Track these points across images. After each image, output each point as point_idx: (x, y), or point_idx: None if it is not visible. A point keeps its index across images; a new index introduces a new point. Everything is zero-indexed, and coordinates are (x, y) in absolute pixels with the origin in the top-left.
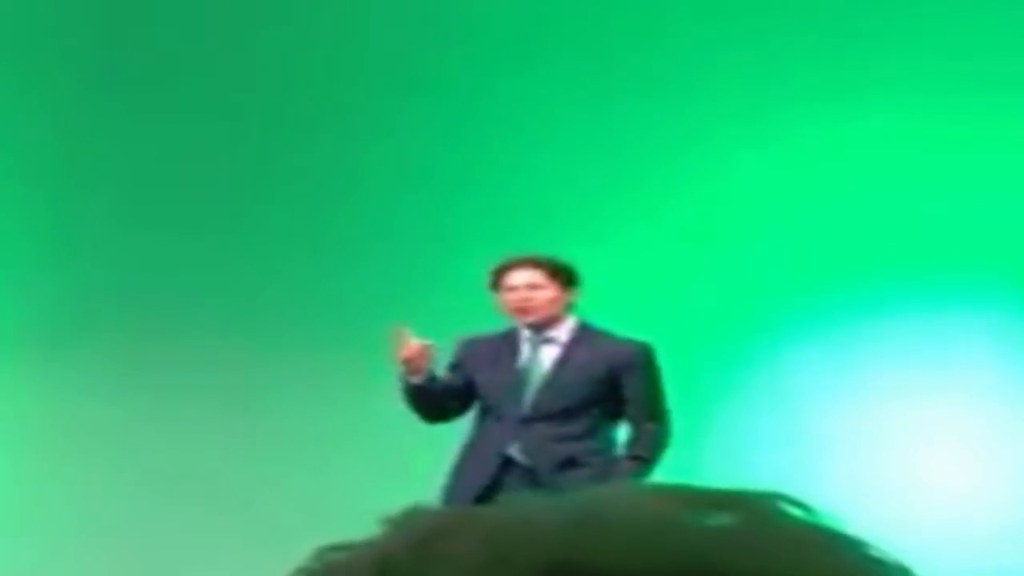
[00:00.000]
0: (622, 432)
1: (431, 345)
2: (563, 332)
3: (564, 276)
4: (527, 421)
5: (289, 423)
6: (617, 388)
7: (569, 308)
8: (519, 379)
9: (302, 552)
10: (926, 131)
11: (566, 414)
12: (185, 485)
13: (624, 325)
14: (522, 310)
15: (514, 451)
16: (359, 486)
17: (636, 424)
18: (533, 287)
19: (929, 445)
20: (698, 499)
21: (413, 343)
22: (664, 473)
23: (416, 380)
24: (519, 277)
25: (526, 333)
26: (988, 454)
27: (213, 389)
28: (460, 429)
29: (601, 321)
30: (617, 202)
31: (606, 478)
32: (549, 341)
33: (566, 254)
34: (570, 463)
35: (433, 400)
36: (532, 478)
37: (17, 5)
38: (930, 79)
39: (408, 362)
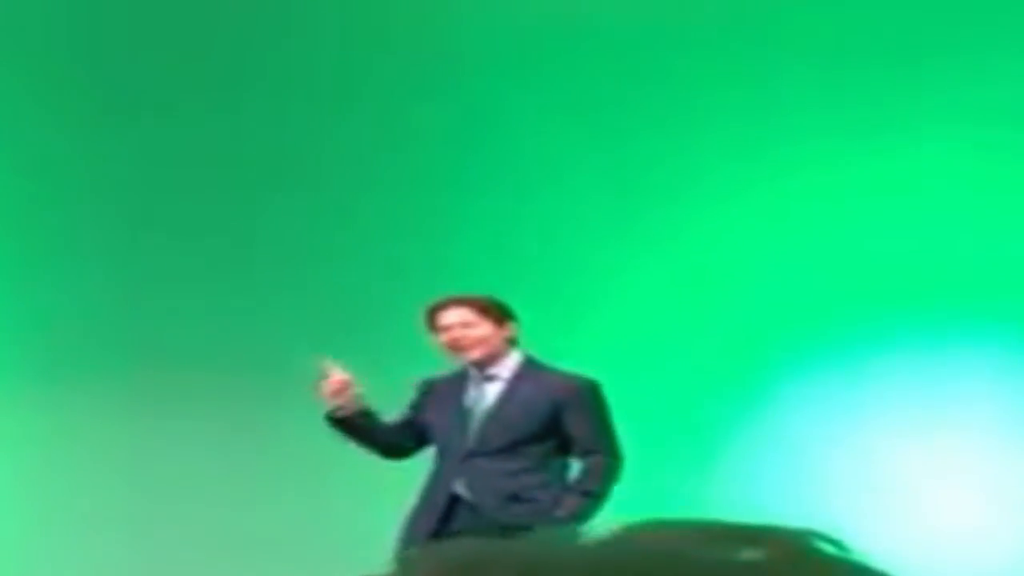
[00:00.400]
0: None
1: (351, 381)
2: (506, 368)
3: (495, 312)
4: (471, 457)
5: (288, 445)
6: (561, 423)
7: (511, 344)
8: (464, 416)
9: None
10: (921, 170)
11: (510, 449)
12: (186, 502)
13: (628, 362)
14: (457, 348)
15: (459, 488)
16: (357, 506)
17: (583, 459)
18: (465, 325)
19: (931, 482)
20: (729, 535)
21: (336, 376)
22: (668, 512)
23: (340, 414)
24: (450, 316)
25: (473, 371)
26: (990, 490)
27: (215, 414)
28: None
29: (604, 359)
30: (621, 238)
31: (551, 513)
32: (493, 378)
33: (571, 290)
34: (514, 498)
35: (364, 436)
36: (478, 514)
37: (28, 12)
38: (931, 119)
39: (332, 397)
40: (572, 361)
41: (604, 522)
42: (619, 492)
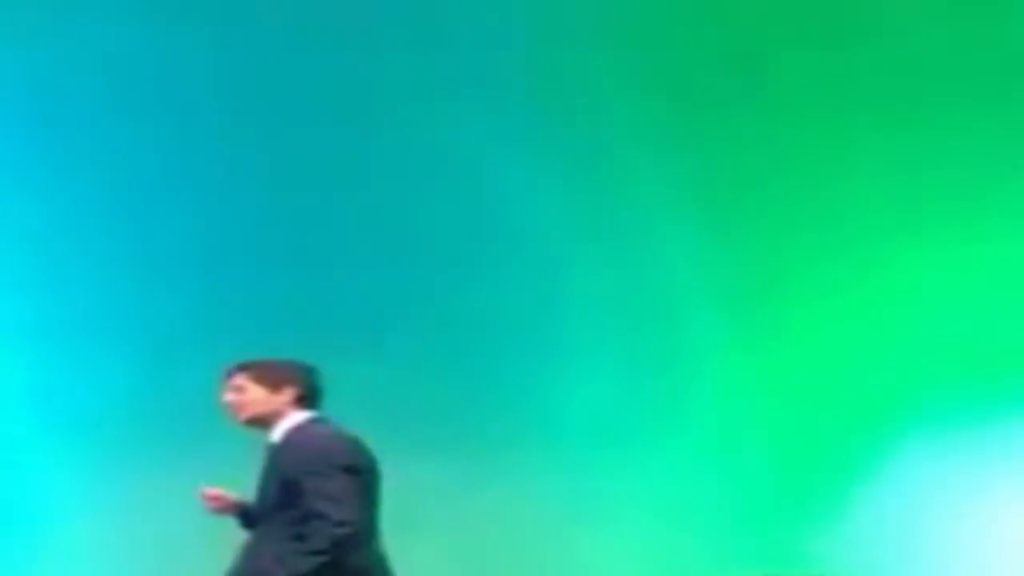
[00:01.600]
0: None
1: (220, 493)
2: (277, 434)
3: (271, 377)
4: (256, 525)
5: None
6: (299, 487)
7: (294, 407)
8: None
9: None
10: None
11: (269, 517)
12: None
13: (750, 428)
14: (232, 411)
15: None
16: None
17: (311, 521)
18: (237, 389)
19: None
20: None
21: (209, 494)
22: (790, 565)
23: (242, 519)
24: (228, 382)
25: None
26: None
27: None
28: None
29: (725, 424)
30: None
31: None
32: (270, 445)
33: (697, 372)
34: (263, 566)
35: None
36: None
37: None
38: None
39: (217, 512)
40: (693, 424)
41: None
42: (746, 549)
